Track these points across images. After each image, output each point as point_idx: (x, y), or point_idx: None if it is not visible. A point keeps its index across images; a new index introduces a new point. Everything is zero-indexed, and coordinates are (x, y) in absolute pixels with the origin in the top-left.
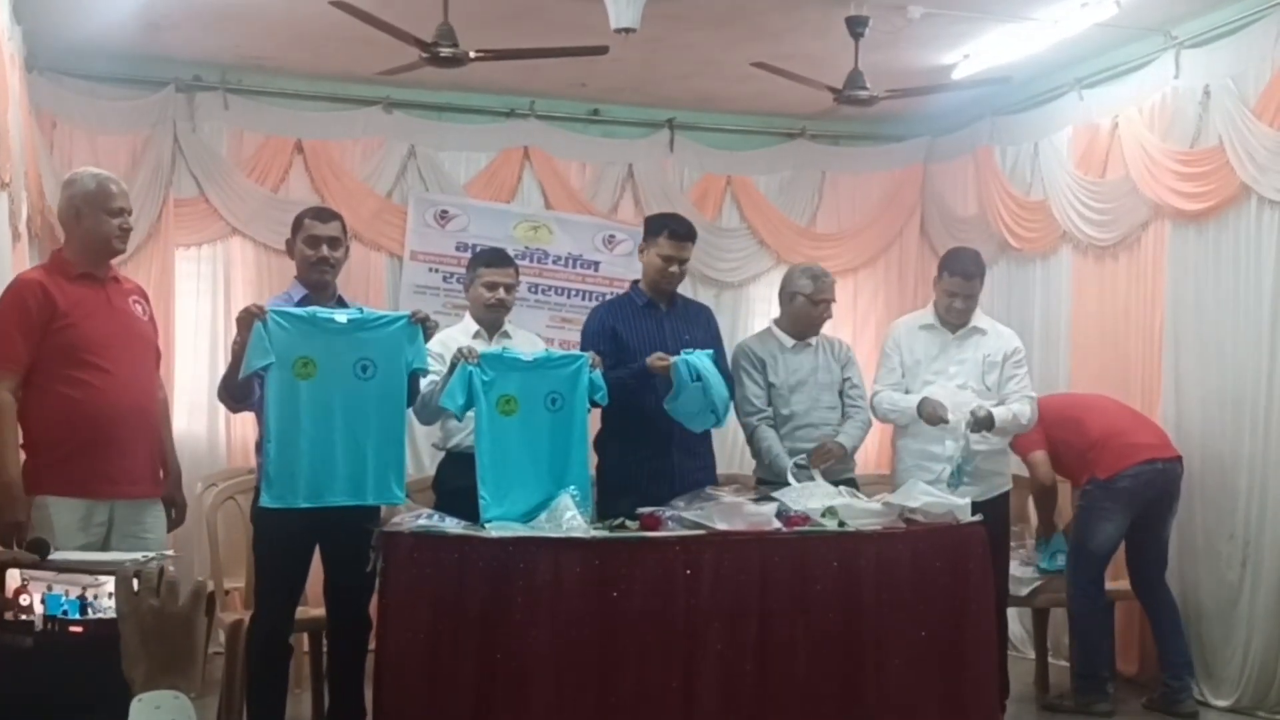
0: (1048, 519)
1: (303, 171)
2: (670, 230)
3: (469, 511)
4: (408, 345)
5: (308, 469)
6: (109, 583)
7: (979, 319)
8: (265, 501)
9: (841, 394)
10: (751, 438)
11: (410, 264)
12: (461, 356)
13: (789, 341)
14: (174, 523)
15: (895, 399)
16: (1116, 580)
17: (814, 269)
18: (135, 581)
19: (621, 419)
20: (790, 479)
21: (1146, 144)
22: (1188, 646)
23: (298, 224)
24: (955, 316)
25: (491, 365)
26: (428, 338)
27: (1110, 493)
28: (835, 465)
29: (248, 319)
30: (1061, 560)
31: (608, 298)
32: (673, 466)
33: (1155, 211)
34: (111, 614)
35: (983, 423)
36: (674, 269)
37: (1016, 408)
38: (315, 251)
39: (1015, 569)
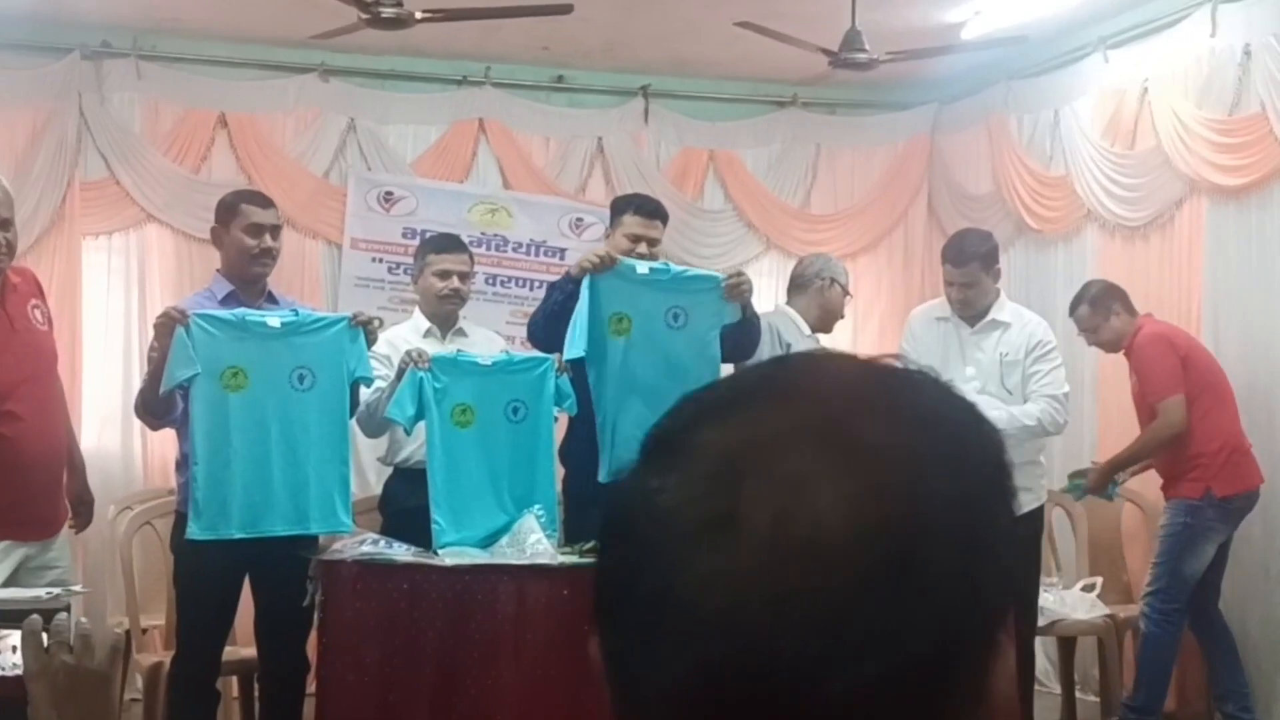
0: (1125, 464)
1: (227, 149)
2: (636, 206)
3: (420, 536)
4: (349, 349)
5: (242, 494)
6: (13, 636)
7: (1001, 309)
8: (194, 533)
9: None
10: None
11: (350, 253)
12: (411, 360)
13: (807, 330)
14: (81, 523)
15: None
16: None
17: (839, 261)
18: (45, 635)
19: (590, 421)
20: None
21: (1180, 111)
22: (1246, 677)
23: (231, 209)
24: (959, 309)
25: (445, 370)
26: (370, 343)
27: (1225, 513)
28: None
29: (168, 325)
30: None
31: None
32: None
33: (1190, 187)
34: (18, 672)
35: None
36: (643, 250)
37: (1023, 409)
38: (258, 241)
39: (1048, 600)
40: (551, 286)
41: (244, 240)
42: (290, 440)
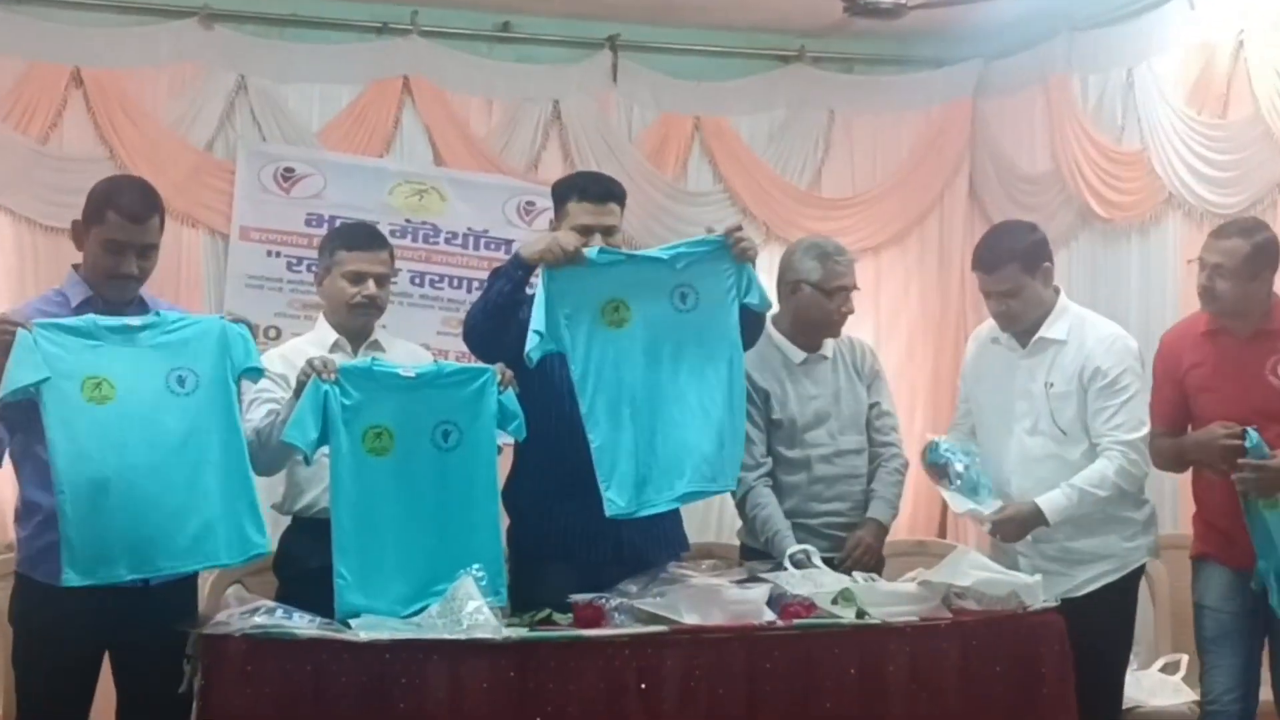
0: None
1: (83, 113)
2: (580, 190)
3: (327, 603)
4: (228, 344)
5: (126, 526)
6: None
7: (1053, 324)
8: (70, 579)
9: (868, 427)
10: (743, 502)
11: (240, 245)
12: (313, 370)
13: (796, 355)
14: None
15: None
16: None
17: (822, 244)
18: None
19: (541, 450)
20: (787, 565)
21: None
22: None
23: (97, 211)
24: (1005, 325)
25: (356, 383)
26: (254, 335)
27: None
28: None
29: (5, 334)
30: None
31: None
32: (618, 526)
33: None
34: None
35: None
36: (597, 243)
37: (1091, 477)
38: (117, 263)
39: (1136, 689)
40: (495, 274)
41: (101, 257)
42: (176, 455)
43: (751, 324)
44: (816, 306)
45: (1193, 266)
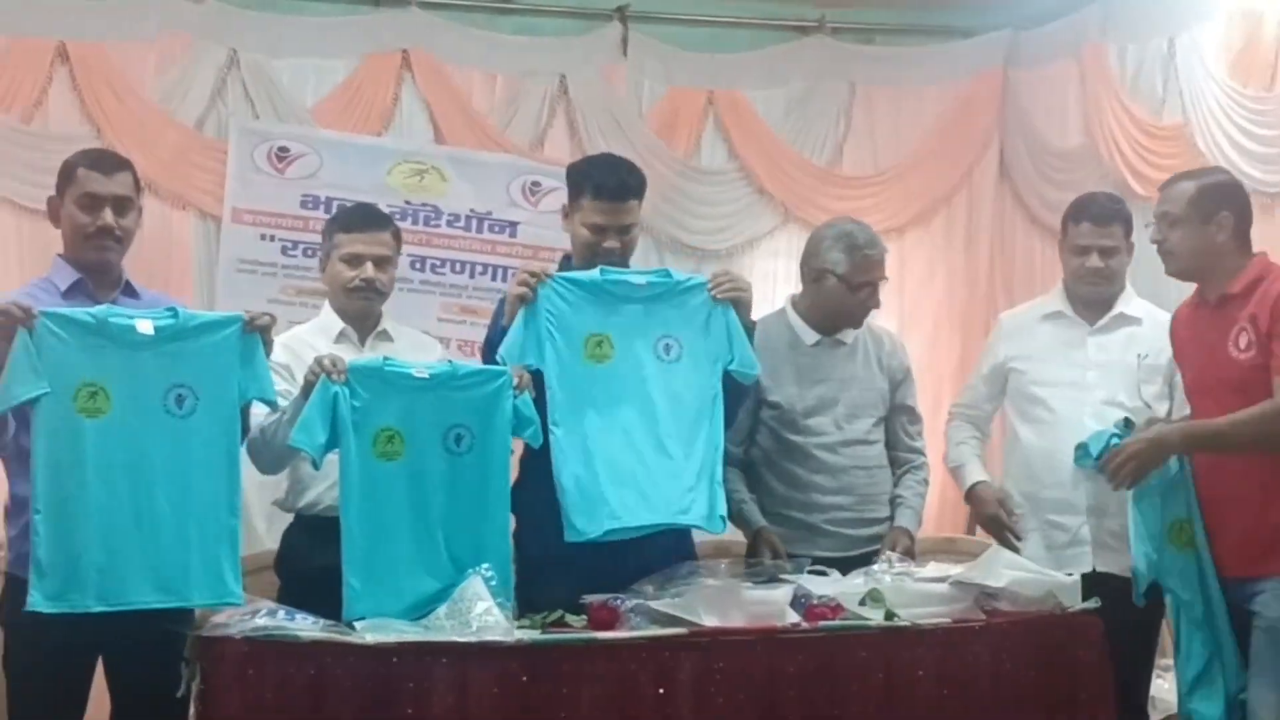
0: (1208, 444)
1: (68, 90)
2: (595, 185)
3: (330, 604)
4: (241, 364)
5: (99, 553)
6: None
7: (1128, 302)
8: (36, 604)
9: (888, 428)
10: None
11: (232, 227)
12: (322, 370)
13: (809, 336)
14: None
15: (959, 438)
16: None
17: (854, 233)
18: None
19: (549, 458)
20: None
21: None
22: None
23: (66, 176)
24: (1091, 283)
25: (365, 384)
26: (269, 351)
27: None
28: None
29: (7, 325)
30: None
31: None
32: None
33: None
34: None
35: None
36: (611, 243)
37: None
38: (93, 218)
39: (1161, 689)
40: (496, 321)
41: (78, 216)
42: (163, 482)
43: (736, 389)
44: (839, 299)
45: None
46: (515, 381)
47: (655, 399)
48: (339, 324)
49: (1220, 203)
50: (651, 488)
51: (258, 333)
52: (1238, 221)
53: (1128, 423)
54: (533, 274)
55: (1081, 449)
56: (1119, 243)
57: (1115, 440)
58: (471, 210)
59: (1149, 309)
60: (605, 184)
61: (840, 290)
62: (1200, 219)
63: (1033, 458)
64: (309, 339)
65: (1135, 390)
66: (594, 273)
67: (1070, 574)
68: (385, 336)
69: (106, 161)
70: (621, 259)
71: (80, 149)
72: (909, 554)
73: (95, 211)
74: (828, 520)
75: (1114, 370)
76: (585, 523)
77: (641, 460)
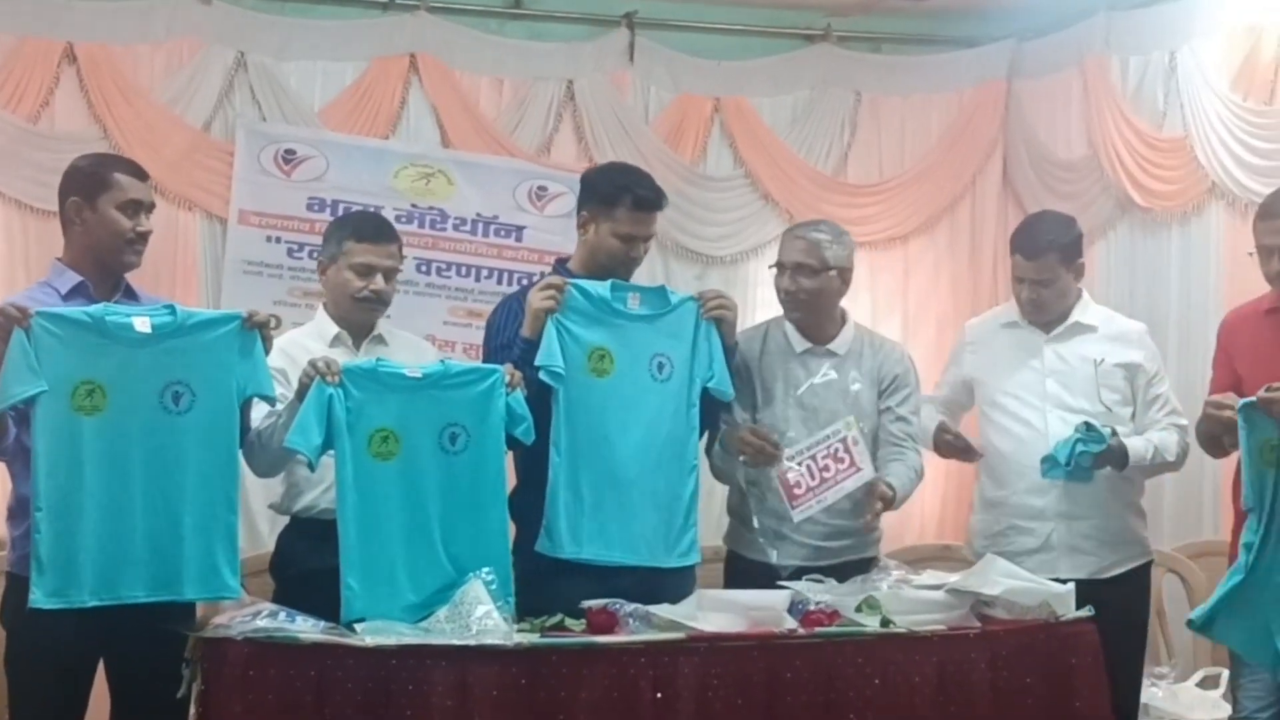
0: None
1: (75, 91)
2: (635, 198)
3: (327, 606)
4: (239, 361)
5: (96, 549)
6: None
7: (1084, 310)
8: (38, 601)
9: (877, 431)
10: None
11: (238, 229)
12: (316, 372)
13: (799, 344)
14: None
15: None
16: None
17: (800, 223)
18: None
19: (547, 461)
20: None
21: None
22: None
23: (100, 181)
24: (1030, 312)
25: (359, 385)
26: (268, 349)
27: None
28: (853, 540)
29: (3, 324)
30: None
31: (534, 279)
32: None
33: None
34: None
35: (1111, 458)
36: (637, 253)
37: (1163, 439)
38: (134, 223)
39: (1155, 697)
40: (504, 349)
41: (118, 221)
42: (160, 478)
43: (712, 407)
44: (781, 291)
45: (1247, 259)
46: (507, 379)
47: (649, 421)
48: (334, 328)
49: None
50: (639, 529)
51: (256, 329)
52: None
53: (1089, 427)
54: (557, 287)
55: (1049, 461)
56: (1051, 274)
57: (1080, 446)
58: (478, 214)
59: (1106, 315)
60: (646, 196)
61: (776, 276)
62: None
63: (999, 465)
64: (304, 343)
65: (1095, 395)
66: (604, 286)
67: (1066, 581)
68: (380, 341)
69: (138, 169)
70: (637, 267)
71: (84, 151)
72: (885, 501)
73: (137, 216)
74: (800, 533)
75: (1073, 377)
76: (568, 543)
77: (632, 489)
